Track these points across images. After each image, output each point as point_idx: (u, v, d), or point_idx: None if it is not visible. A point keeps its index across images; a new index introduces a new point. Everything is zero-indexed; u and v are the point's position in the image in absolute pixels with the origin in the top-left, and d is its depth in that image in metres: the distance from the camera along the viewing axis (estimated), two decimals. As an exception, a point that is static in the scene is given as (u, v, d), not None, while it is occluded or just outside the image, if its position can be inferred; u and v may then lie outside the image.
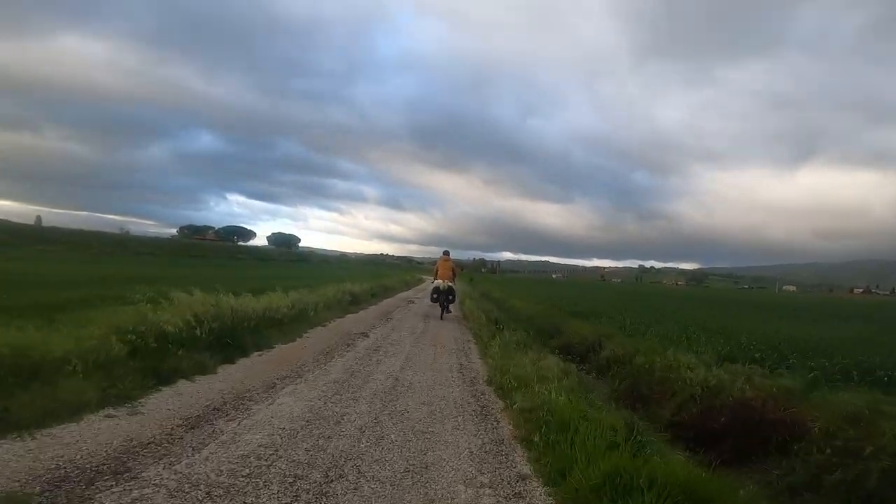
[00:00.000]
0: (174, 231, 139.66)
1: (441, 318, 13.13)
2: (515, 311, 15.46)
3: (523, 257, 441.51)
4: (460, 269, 20.01)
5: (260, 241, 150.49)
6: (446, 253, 14.62)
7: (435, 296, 13.49)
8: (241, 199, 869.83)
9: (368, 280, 23.27)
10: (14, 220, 78.01)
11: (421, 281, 43.73)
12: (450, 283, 13.44)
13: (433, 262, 17.65)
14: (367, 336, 9.25)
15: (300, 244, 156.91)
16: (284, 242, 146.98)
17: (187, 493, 2.76)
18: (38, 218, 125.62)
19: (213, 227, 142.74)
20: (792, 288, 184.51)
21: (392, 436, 4.00)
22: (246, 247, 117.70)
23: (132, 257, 42.21)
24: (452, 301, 13.78)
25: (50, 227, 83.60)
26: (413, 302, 18.74)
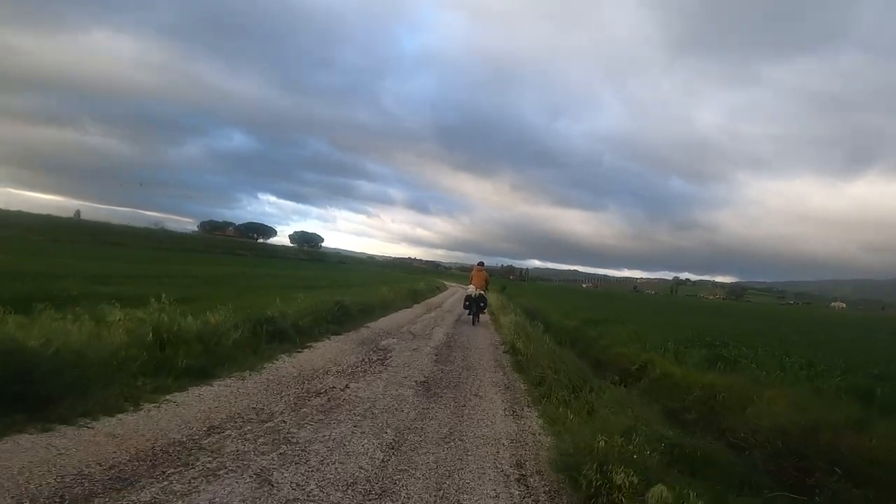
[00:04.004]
0: (195, 227, 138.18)
1: (473, 324, 13.97)
2: (658, 380, 6.81)
3: (551, 265, 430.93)
4: (490, 277, 20.25)
5: (283, 239, 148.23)
6: (481, 264, 15.30)
7: (467, 303, 14.50)
8: (273, 198, 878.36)
9: (362, 288, 14.87)
10: (55, 213, 79.61)
11: (441, 289, 34.82)
12: (481, 291, 14.44)
13: (461, 268, 13.63)
14: None
15: (324, 244, 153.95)
16: (307, 241, 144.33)
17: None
18: (77, 212, 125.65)
19: (232, 224, 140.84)
20: (842, 305, 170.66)
21: None
22: (260, 244, 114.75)
23: (109, 249, 37.94)
24: (483, 308, 14.86)
25: (86, 221, 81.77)
26: (389, 354, 7.99)
